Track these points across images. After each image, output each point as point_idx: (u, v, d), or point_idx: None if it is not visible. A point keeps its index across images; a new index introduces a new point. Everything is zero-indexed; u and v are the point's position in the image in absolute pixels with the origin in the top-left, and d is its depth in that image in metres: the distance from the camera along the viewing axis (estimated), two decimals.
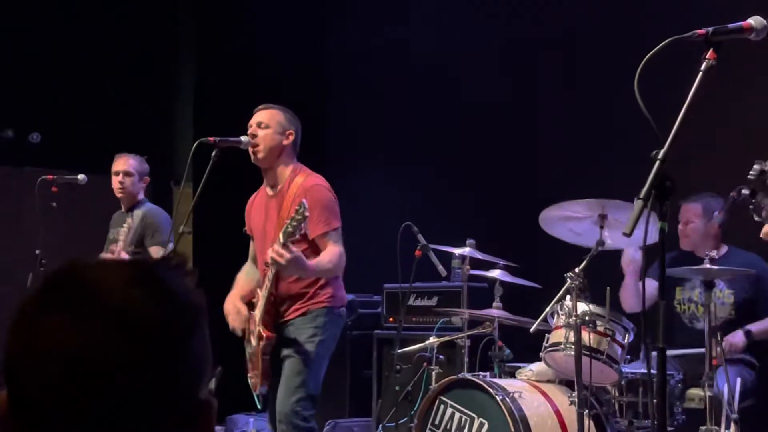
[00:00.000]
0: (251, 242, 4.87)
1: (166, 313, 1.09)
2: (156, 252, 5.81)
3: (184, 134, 8.22)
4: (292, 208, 4.28)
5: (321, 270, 4.45)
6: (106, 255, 5.88)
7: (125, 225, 5.87)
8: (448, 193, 7.27)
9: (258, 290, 4.61)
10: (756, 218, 2.95)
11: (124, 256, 5.66)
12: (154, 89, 8.38)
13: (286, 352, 4.51)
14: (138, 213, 5.99)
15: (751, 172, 2.94)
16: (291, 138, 4.64)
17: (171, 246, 5.81)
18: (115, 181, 6.12)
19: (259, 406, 4.73)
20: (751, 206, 2.93)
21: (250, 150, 4.60)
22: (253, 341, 4.53)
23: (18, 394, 1.08)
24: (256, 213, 4.78)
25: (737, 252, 5.34)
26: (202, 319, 1.14)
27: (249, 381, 4.58)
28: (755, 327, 5.17)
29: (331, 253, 4.46)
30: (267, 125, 4.61)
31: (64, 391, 1.05)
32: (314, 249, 4.49)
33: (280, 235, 4.20)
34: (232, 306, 4.57)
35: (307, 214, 4.09)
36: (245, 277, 4.79)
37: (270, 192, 4.69)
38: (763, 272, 5.22)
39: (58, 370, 1.05)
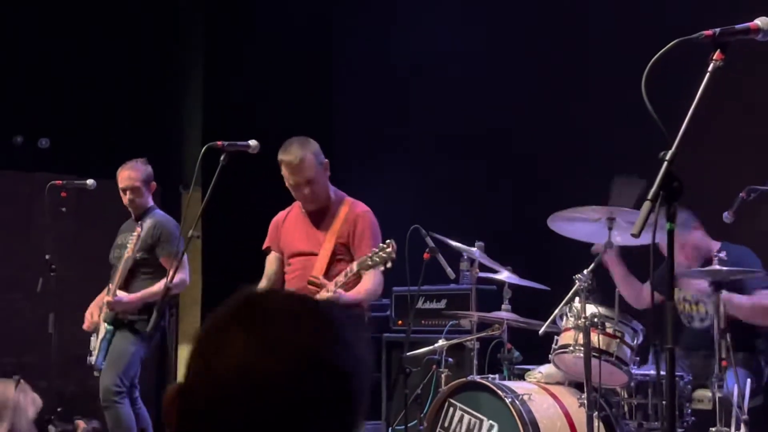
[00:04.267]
0: (270, 259, 4.91)
1: (345, 363, 1.17)
2: (167, 262, 5.77)
3: (193, 138, 8.23)
4: (344, 229, 4.59)
5: (360, 300, 4.65)
6: (112, 263, 5.94)
7: (135, 233, 5.85)
8: (457, 195, 7.26)
9: None
10: None
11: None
12: (163, 94, 8.39)
13: None
14: (148, 222, 5.94)
15: None
16: (327, 167, 4.78)
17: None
18: (125, 199, 6.04)
19: None
20: None
21: (305, 203, 4.77)
22: None
23: (191, 404, 1.14)
24: (291, 232, 4.86)
25: (729, 247, 5.30)
26: (370, 374, 1.22)
27: None
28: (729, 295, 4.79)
29: (373, 281, 4.65)
30: (313, 179, 4.70)
31: (234, 409, 1.11)
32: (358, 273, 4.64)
33: (355, 265, 4.44)
34: None
35: (394, 256, 4.29)
36: None
37: (309, 209, 4.81)
38: (753, 265, 5.12)
39: (231, 389, 1.11)
